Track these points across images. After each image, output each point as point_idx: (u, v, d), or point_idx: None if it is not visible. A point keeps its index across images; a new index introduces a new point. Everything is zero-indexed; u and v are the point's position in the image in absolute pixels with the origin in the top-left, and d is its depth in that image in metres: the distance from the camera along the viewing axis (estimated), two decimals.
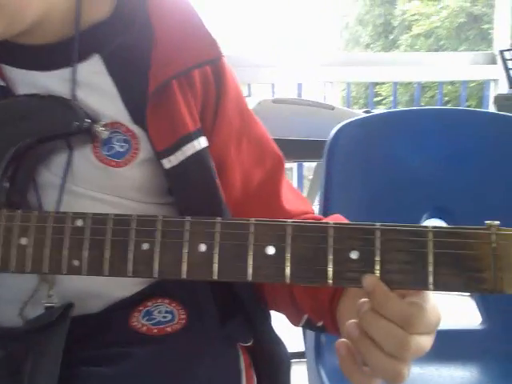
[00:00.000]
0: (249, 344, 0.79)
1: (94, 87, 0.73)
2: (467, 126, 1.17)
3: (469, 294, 1.27)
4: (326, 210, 1.09)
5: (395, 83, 3.32)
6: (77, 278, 0.60)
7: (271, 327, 0.81)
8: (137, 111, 0.72)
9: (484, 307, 1.14)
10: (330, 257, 0.53)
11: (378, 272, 0.52)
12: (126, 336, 0.71)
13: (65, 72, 0.73)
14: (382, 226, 0.52)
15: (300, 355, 1.38)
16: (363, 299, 0.54)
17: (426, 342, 0.53)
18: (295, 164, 2.96)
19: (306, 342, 1.14)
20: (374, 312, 0.53)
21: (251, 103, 1.74)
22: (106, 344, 0.70)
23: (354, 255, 0.52)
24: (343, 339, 0.55)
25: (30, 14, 0.70)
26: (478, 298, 1.15)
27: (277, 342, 0.81)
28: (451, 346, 1.08)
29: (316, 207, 1.11)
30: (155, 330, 0.72)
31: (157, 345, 0.70)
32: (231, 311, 0.78)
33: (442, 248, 0.51)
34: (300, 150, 1.67)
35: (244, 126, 0.79)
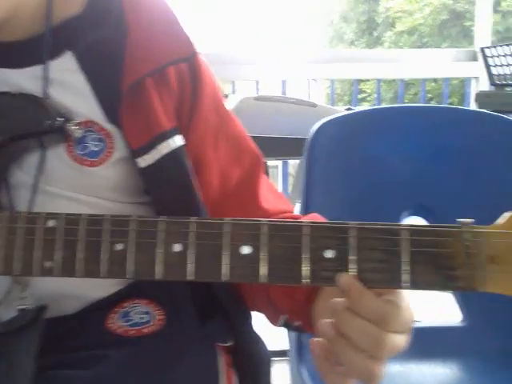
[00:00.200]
0: (228, 344, 0.79)
1: (66, 85, 0.71)
2: (449, 123, 1.17)
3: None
4: (306, 209, 1.09)
5: (379, 80, 3.32)
6: (50, 279, 0.59)
7: (251, 327, 0.81)
8: (111, 109, 0.71)
9: (465, 304, 1.15)
10: (306, 256, 0.52)
11: (353, 271, 0.52)
12: (102, 338, 0.70)
13: (36, 69, 0.71)
14: (357, 224, 0.52)
15: (283, 353, 1.37)
16: (337, 298, 0.54)
17: (400, 340, 0.53)
18: (280, 162, 2.95)
19: (289, 342, 1.14)
20: (349, 310, 0.52)
21: (233, 101, 1.73)
22: (82, 346, 0.69)
23: (329, 254, 0.52)
24: (318, 338, 0.55)
25: None
26: (458, 295, 1.15)
27: (257, 341, 0.81)
28: (432, 343, 1.08)
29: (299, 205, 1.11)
30: (133, 332, 0.71)
31: (134, 346, 0.69)
32: (210, 311, 0.77)
33: (417, 246, 0.51)
34: (282, 147, 1.67)
35: (221, 123, 0.79)
